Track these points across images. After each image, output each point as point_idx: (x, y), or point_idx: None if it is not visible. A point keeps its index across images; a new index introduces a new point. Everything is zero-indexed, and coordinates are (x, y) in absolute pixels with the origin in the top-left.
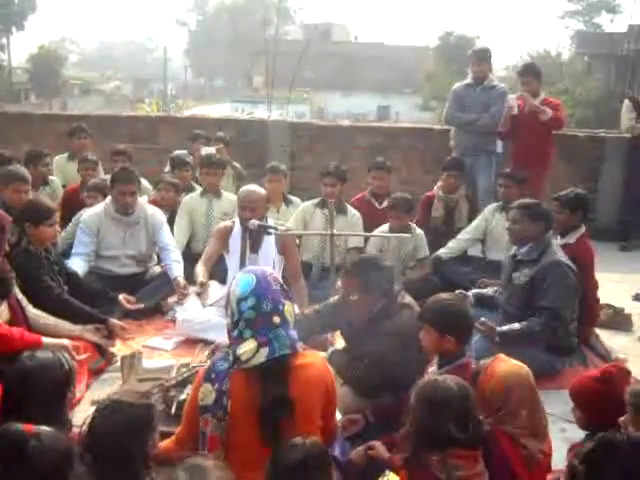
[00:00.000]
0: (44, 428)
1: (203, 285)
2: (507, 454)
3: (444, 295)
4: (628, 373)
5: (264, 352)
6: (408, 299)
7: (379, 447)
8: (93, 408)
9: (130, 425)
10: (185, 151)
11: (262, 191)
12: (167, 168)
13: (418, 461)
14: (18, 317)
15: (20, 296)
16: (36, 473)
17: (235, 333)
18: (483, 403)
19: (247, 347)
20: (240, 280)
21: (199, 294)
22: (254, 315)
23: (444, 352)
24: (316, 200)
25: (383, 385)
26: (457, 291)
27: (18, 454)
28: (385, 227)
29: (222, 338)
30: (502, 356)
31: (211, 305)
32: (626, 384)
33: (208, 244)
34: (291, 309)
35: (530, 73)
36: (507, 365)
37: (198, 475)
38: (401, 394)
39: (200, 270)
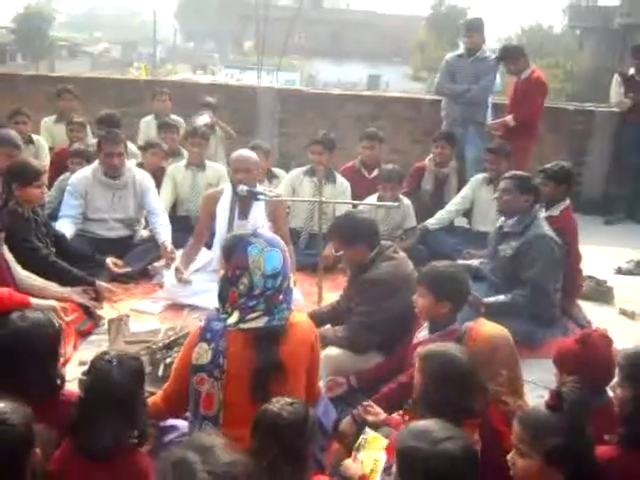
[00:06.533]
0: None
1: (178, 272)
2: (489, 412)
3: (444, 262)
4: (609, 340)
5: (264, 319)
6: (401, 254)
7: (374, 407)
8: (81, 368)
9: (137, 375)
10: (179, 117)
11: (255, 155)
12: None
13: None
14: (6, 278)
15: (8, 256)
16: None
17: (251, 304)
18: None
19: (253, 316)
20: (268, 255)
21: (177, 269)
22: (275, 293)
23: (437, 317)
24: (305, 168)
25: (368, 337)
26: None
27: None
28: (373, 197)
29: (208, 304)
30: (483, 320)
31: (197, 271)
32: (607, 350)
33: (198, 219)
34: (292, 281)
35: (505, 59)
36: (491, 327)
37: (208, 454)
38: (389, 354)
39: (184, 254)
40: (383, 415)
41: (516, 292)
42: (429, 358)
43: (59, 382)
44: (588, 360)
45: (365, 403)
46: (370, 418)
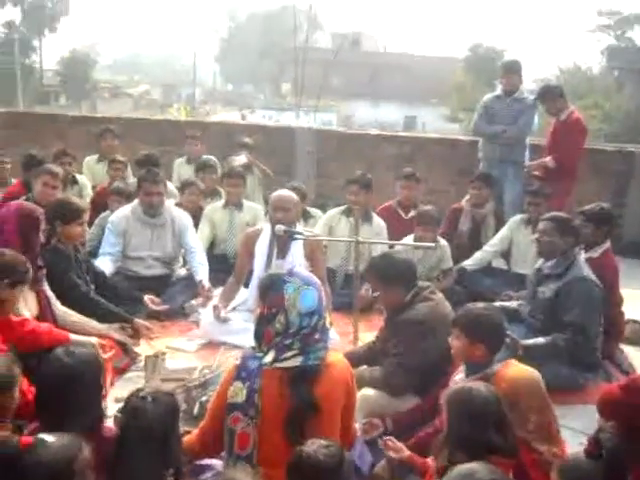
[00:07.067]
0: (47, 439)
1: (216, 310)
2: (522, 459)
3: (480, 304)
4: None
5: (299, 359)
6: (438, 295)
7: (395, 442)
8: (117, 405)
9: (172, 412)
10: (213, 157)
11: (294, 195)
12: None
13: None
14: (46, 313)
15: (49, 293)
16: None
17: (287, 342)
18: None
19: (289, 354)
20: (303, 295)
21: (215, 308)
22: (311, 332)
23: (472, 360)
24: (342, 208)
25: (405, 378)
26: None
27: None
28: (410, 237)
29: (244, 342)
30: (513, 361)
31: (233, 309)
32: None
33: (236, 258)
34: (329, 320)
35: (544, 96)
36: (517, 370)
37: None
38: (425, 396)
39: (223, 293)
40: (406, 452)
41: (556, 335)
42: (452, 395)
43: (103, 415)
44: (632, 407)
45: (386, 438)
46: (392, 454)
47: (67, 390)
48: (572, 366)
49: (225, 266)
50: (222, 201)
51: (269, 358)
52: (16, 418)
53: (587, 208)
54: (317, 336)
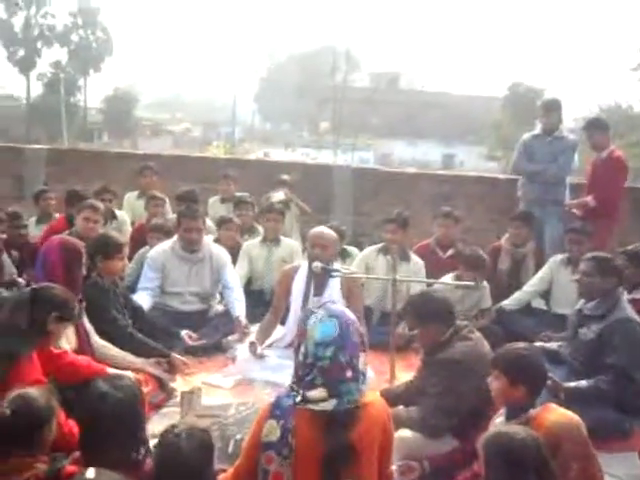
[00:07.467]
0: (87, 475)
1: (253, 346)
2: None
3: (520, 344)
4: None
5: (332, 402)
6: (477, 334)
7: None
8: (153, 441)
9: (206, 449)
10: (247, 194)
11: (333, 233)
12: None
13: None
14: (85, 347)
15: (88, 326)
16: None
17: (309, 378)
18: None
19: (317, 395)
20: (321, 324)
21: (251, 344)
22: (329, 364)
23: (513, 403)
24: (379, 246)
25: (443, 420)
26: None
27: None
28: (448, 276)
29: (280, 379)
30: (552, 405)
31: (269, 346)
32: None
33: (273, 295)
34: (364, 360)
35: (592, 127)
36: (556, 415)
37: None
38: (464, 439)
39: (260, 329)
40: None
41: (599, 378)
42: (489, 439)
43: (146, 452)
44: None
45: None
46: None
47: (117, 424)
48: (617, 411)
49: (262, 302)
50: (260, 237)
51: (300, 397)
52: (53, 450)
53: (629, 248)
54: (349, 374)
